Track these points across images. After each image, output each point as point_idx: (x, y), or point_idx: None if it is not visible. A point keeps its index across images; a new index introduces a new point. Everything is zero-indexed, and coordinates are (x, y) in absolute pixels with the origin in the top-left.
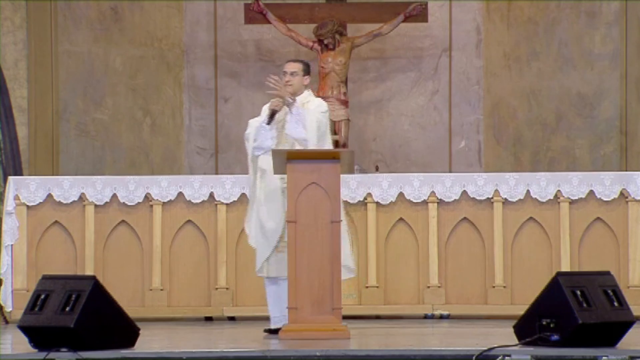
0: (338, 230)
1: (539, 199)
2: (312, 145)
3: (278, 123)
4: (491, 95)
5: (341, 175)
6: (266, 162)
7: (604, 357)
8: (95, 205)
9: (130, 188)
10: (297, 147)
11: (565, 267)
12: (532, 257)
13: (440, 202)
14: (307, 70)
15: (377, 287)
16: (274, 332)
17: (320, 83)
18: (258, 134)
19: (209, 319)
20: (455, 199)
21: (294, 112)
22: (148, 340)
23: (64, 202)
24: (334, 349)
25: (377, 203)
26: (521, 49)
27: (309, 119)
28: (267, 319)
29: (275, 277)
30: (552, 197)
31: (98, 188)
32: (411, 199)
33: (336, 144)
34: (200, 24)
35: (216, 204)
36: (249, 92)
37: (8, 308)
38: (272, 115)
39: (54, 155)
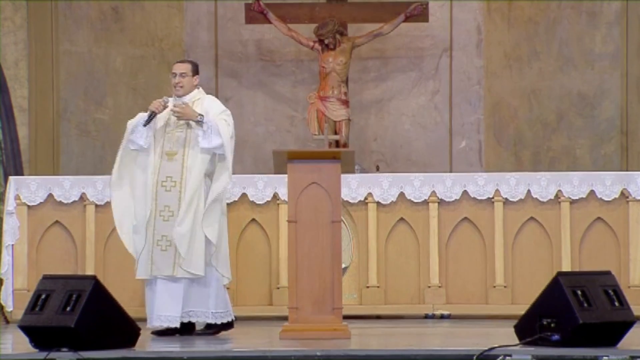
0: (339, 230)
1: (540, 199)
2: (229, 149)
3: (170, 126)
4: (492, 95)
5: (342, 175)
6: (143, 161)
7: (604, 357)
8: (96, 205)
9: None
10: (200, 155)
11: (566, 267)
12: (533, 257)
13: (440, 202)
14: (196, 70)
15: (378, 287)
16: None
17: (321, 83)
18: (136, 129)
19: None
20: (455, 199)
21: (205, 124)
22: (148, 340)
23: (65, 202)
24: (334, 349)
25: (378, 203)
26: (522, 48)
27: (220, 125)
28: (267, 318)
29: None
30: (552, 197)
31: (99, 188)
32: (412, 199)
33: (337, 143)
34: (200, 23)
35: None
36: (250, 92)
37: (9, 308)
38: (150, 116)
39: (55, 155)
